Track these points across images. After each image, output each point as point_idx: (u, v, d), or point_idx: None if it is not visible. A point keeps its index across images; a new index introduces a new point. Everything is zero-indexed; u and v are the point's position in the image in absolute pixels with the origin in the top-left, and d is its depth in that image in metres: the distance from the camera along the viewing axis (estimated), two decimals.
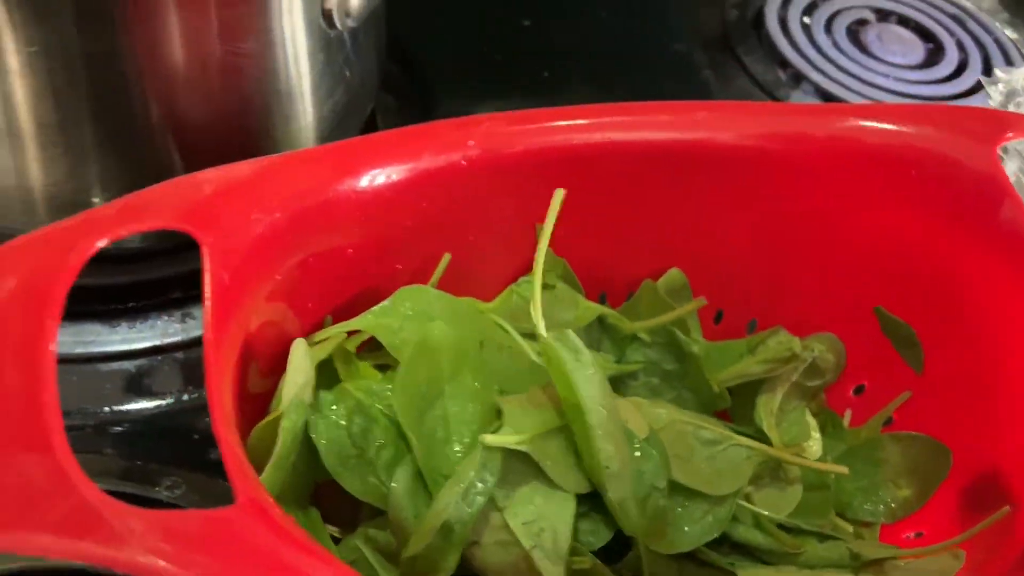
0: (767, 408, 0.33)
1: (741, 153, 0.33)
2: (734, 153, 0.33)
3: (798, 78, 0.56)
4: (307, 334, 0.30)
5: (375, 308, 0.30)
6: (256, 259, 0.25)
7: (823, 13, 0.60)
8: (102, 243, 0.21)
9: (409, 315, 0.30)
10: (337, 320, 0.30)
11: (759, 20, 0.60)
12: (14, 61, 0.31)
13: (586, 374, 0.26)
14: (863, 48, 0.58)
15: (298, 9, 0.33)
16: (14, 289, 0.20)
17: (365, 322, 0.29)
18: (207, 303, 0.23)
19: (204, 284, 0.23)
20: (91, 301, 0.38)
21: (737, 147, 0.33)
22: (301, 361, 0.26)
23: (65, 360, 0.37)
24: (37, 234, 0.22)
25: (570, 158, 0.33)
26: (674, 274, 0.36)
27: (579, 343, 0.27)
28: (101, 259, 0.39)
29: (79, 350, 0.37)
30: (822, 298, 0.35)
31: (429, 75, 0.53)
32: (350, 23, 0.35)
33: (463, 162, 0.31)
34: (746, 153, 0.33)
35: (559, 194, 0.29)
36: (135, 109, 0.33)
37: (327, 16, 0.34)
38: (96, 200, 0.35)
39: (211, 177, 0.25)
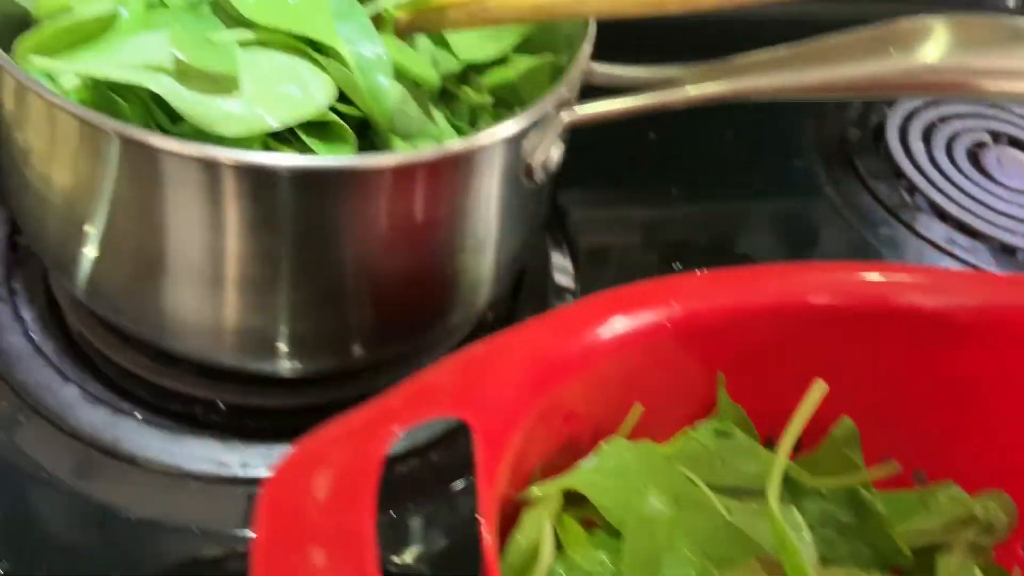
0: (948, 571, 0.34)
1: (926, 318, 0.34)
2: (919, 316, 0.34)
3: (919, 197, 0.57)
4: (520, 488, 0.31)
5: (585, 466, 0.31)
6: (509, 430, 0.26)
7: (943, 133, 0.62)
8: (398, 430, 0.23)
9: (615, 472, 0.31)
10: (543, 473, 0.32)
11: (879, 137, 0.61)
12: (232, 223, 0.33)
13: (809, 552, 0.27)
14: (983, 171, 0.60)
15: (503, 168, 0.35)
16: (331, 488, 0.21)
17: (578, 481, 0.30)
18: (480, 485, 0.24)
19: (476, 465, 0.24)
20: (282, 422, 0.40)
21: (922, 311, 0.34)
22: (545, 532, 0.27)
23: (252, 481, 0.38)
24: (340, 425, 0.23)
25: (760, 315, 0.34)
26: (846, 423, 0.37)
27: (800, 519, 0.28)
28: (288, 383, 0.41)
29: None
30: (993, 453, 0.36)
31: (556, 190, 0.54)
32: (543, 176, 0.36)
33: (667, 323, 0.33)
34: (931, 318, 0.34)
35: (820, 387, 0.30)
36: (332, 267, 0.35)
37: (528, 172, 0.35)
38: (282, 331, 0.37)
39: (472, 357, 0.26)
